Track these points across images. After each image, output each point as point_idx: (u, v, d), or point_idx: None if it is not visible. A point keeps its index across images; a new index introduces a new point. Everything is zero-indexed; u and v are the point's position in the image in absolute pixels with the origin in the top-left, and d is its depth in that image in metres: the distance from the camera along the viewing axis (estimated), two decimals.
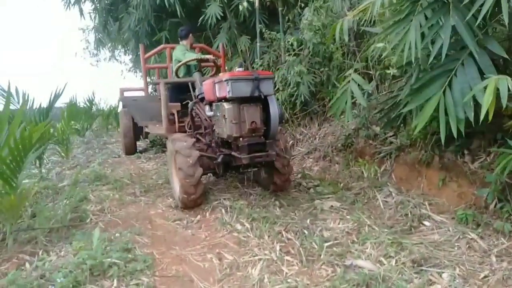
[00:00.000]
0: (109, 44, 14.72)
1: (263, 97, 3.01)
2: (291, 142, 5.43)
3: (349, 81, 3.13)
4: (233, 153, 3.23)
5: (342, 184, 3.94)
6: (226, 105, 3.03)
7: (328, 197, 3.62)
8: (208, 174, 3.72)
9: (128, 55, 12.80)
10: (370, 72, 4.30)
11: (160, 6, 6.77)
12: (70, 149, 6.22)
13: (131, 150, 6.21)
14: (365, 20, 3.20)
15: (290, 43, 5.16)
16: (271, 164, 3.44)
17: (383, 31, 2.86)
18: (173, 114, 4.38)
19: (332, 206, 3.39)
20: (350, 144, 4.37)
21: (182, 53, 4.87)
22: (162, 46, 5.92)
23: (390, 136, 4.00)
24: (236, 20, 6.19)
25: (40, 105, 4.80)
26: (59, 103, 5.64)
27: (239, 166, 3.39)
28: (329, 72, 4.98)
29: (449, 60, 2.41)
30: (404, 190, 3.46)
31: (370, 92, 3.91)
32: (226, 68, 6.04)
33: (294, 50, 5.33)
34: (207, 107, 3.65)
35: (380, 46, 3.46)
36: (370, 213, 3.18)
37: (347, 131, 4.46)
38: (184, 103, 4.40)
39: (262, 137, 3.10)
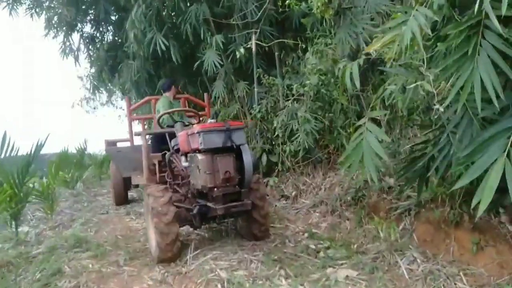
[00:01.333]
0: (106, 89, 14.71)
1: (235, 147, 3.07)
2: (293, 193, 4.98)
3: (362, 132, 2.73)
4: (208, 203, 3.22)
5: (355, 246, 3.44)
6: (199, 156, 3.08)
7: (342, 264, 3.11)
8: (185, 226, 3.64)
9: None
10: (378, 118, 3.95)
11: (157, 52, 6.56)
12: (55, 205, 5.71)
13: (121, 200, 6.17)
14: (380, 59, 2.84)
15: (290, 88, 4.86)
16: (249, 214, 3.46)
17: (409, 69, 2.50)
18: (154, 165, 4.28)
19: (347, 276, 2.88)
20: (361, 198, 3.92)
21: (164, 104, 5.02)
22: (147, 98, 5.97)
23: (407, 189, 3.56)
24: (233, 66, 5.93)
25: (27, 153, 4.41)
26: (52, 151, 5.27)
27: (215, 217, 3.39)
28: (333, 118, 4.63)
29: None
30: (431, 254, 2.97)
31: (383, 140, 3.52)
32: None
33: (293, 95, 5.02)
34: (183, 158, 3.67)
35: (392, 88, 3.13)
36: (394, 285, 2.67)
37: (357, 182, 4.02)
38: (164, 153, 4.28)
39: (236, 187, 3.14)
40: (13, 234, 4.51)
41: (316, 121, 4.51)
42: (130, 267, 3.32)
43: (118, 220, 4.89)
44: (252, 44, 5.36)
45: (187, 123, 4.63)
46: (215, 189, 3.05)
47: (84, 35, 8.31)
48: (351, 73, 2.85)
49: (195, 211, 3.34)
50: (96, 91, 13.42)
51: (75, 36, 8.86)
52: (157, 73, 7.28)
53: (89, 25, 8.40)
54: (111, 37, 8.84)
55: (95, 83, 10.33)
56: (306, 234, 3.83)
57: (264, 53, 5.93)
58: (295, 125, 4.82)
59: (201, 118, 5.01)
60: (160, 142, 4.74)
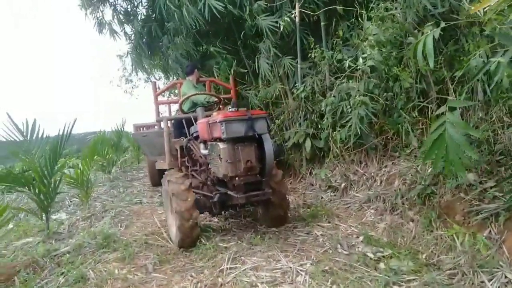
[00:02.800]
0: (142, 68, 14.46)
1: (257, 136, 3.05)
2: (343, 184, 4.37)
3: (442, 123, 2.07)
4: (229, 192, 3.26)
5: (424, 256, 2.83)
6: (221, 145, 3.07)
7: (410, 280, 2.53)
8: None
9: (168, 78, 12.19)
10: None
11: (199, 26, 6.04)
12: (89, 192, 5.51)
13: (157, 181, 6.08)
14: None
15: (341, 63, 4.18)
16: (268, 200, 3.41)
17: None
18: (177, 150, 4.28)
19: None
20: (430, 196, 3.25)
21: (187, 88, 4.95)
22: (173, 82, 6.14)
23: (492, 188, 2.86)
24: (275, 38, 5.24)
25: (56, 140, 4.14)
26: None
27: (235, 205, 3.40)
28: (393, 98, 3.92)
29: None
30: None
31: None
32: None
33: (343, 71, 4.34)
34: (201, 145, 3.71)
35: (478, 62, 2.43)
36: None
37: (424, 177, 3.34)
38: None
39: (257, 176, 3.14)
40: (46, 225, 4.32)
41: (372, 102, 3.84)
42: (160, 274, 2.93)
43: (150, 213, 4.54)
44: (296, 11, 4.65)
45: (211, 103, 4.67)
46: (237, 178, 3.06)
47: (117, 9, 7.86)
48: (423, 47, 2.19)
49: (215, 199, 3.36)
50: (134, 70, 13.27)
51: (108, 11, 8.41)
52: (204, 40, 6.67)
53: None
54: (144, 12, 8.34)
55: (132, 61, 10.00)
56: (361, 238, 3.25)
57: (308, 24, 5.22)
58: (346, 107, 4.18)
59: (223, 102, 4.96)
60: (183, 127, 4.64)
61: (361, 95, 3.83)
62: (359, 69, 3.97)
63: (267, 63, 5.45)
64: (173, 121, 5.01)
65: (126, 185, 6.92)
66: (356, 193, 4.16)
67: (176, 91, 7.32)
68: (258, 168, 3.11)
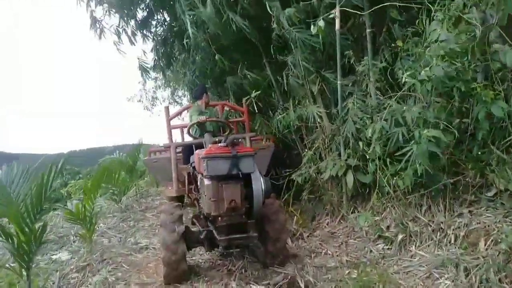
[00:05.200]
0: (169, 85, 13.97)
1: (240, 175, 2.90)
2: (400, 236, 3.36)
3: None
4: (214, 231, 3.07)
5: None
6: (205, 181, 2.95)
7: None
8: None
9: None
10: None
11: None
12: (92, 230, 4.73)
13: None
14: None
15: (395, 78, 3.24)
16: (264, 245, 3.32)
17: None
18: (185, 176, 4.21)
19: None
20: None
21: (193, 113, 4.80)
22: (184, 106, 6.00)
23: None
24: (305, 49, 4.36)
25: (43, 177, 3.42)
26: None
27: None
28: (473, 125, 2.92)
29: None
30: None
31: None
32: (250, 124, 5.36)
33: (398, 88, 3.39)
34: (199, 176, 3.50)
35: None
36: None
37: None
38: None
39: (243, 216, 2.98)
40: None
41: (442, 131, 2.85)
42: None
43: (154, 268, 3.66)
44: (336, 13, 3.71)
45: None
46: (219, 218, 2.93)
47: (136, 19, 7.21)
48: None
49: (202, 236, 3.23)
50: (154, 87, 12.73)
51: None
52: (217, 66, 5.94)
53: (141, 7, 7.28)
54: (166, 23, 7.68)
55: (152, 75, 9.31)
56: None
57: (348, 30, 4.31)
58: (402, 136, 3.21)
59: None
60: (192, 152, 4.23)
61: (428, 123, 2.86)
62: (421, 86, 3.00)
63: (297, 81, 4.58)
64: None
65: (138, 218, 6.14)
66: (420, 250, 3.14)
67: None
68: (244, 208, 2.93)
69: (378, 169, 3.64)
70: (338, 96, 4.15)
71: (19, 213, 3.28)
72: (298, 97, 4.80)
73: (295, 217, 4.50)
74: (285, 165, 5.64)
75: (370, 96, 3.99)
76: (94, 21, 6.29)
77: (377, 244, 3.54)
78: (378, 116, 3.57)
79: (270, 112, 5.55)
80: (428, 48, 2.88)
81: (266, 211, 3.25)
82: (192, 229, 3.44)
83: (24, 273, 3.35)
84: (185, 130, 5.05)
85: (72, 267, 4.04)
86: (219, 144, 3.04)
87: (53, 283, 3.69)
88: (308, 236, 4.12)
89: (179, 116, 6.35)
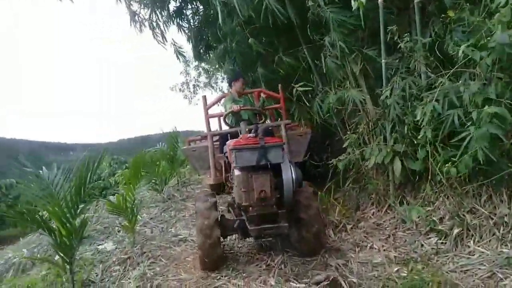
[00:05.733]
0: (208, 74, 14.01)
1: (269, 166, 2.92)
2: (455, 229, 3.02)
3: None
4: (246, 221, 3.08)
5: None
6: (236, 172, 3.00)
7: None
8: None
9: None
10: None
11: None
12: (134, 221, 4.79)
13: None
14: None
15: (448, 54, 2.86)
16: (299, 231, 3.26)
17: None
18: (222, 165, 4.25)
19: None
20: None
21: (227, 102, 4.70)
22: (221, 95, 6.19)
23: None
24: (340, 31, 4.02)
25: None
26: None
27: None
28: None
29: None
30: None
31: None
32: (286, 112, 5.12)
33: (451, 65, 3.00)
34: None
35: None
36: None
37: None
38: None
39: (274, 207, 2.96)
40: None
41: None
42: None
43: (192, 262, 3.59)
44: None
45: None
46: (250, 208, 2.94)
47: (170, 8, 7.10)
48: None
49: (235, 225, 3.25)
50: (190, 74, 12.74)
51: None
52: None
53: None
54: (202, 10, 7.51)
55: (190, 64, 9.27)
56: None
57: (391, 2, 3.91)
58: (459, 118, 2.84)
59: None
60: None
61: (488, 102, 2.48)
62: (480, 59, 2.61)
63: (335, 62, 4.25)
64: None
65: (179, 207, 6.15)
66: (479, 246, 2.80)
67: None
68: (275, 198, 2.94)
69: (429, 155, 3.29)
70: (382, 76, 3.80)
71: (60, 208, 3.33)
72: (338, 79, 4.48)
73: (337, 207, 4.23)
74: (326, 151, 5.38)
75: (419, 75, 3.61)
76: (133, 15, 6.25)
77: (429, 238, 3.22)
78: (428, 96, 3.19)
79: (309, 96, 5.26)
80: (491, 16, 2.47)
81: (299, 198, 3.22)
82: (227, 217, 3.50)
83: (67, 266, 3.42)
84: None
85: (114, 259, 4.10)
86: (249, 135, 3.06)
87: (96, 275, 3.76)
88: (351, 228, 3.86)
89: (218, 103, 6.28)
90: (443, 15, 3.29)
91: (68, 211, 3.35)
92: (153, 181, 6.84)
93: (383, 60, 3.79)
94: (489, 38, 2.33)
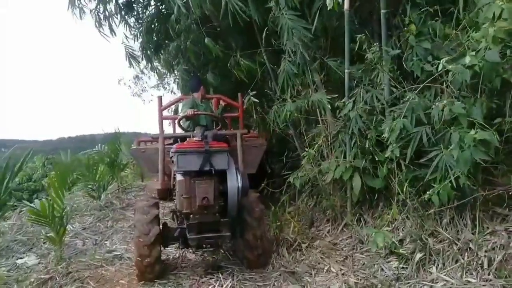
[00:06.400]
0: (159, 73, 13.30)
1: (213, 172, 2.81)
2: (417, 254, 2.84)
3: None
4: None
5: None
6: (178, 177, 2.91)
7: None
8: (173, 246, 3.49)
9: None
10: None
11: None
12: (62, 233, 4.15)
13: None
14: None
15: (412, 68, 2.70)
16: (242, 235, 3.13)
17: None
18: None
19: None
20: None
21: (186, 105, 4.45)
22: (178, 97, 5.75)
23: None
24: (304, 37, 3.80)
25: None
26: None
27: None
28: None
29: None
30: None
31: None
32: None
33: (413, 80, 2.86)
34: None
35: None
36: None
37: None
38: None
39: (217, 215, 2.89)
40: None
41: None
42: None
43: (127, 285, 3.11)
44: None
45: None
46: (191, 215, 2.87)
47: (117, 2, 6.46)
48: None
49: (175, 233, 3.15)
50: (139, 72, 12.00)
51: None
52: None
53: None
54: (153, 4, 6.93)
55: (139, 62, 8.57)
56: None
57: (355, 11, 3.76)
58: (426, 136, 2.68)
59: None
60: None
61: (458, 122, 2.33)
62: (449, 78, 2.47)
63: (295, 71, 4.02)
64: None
65: (117, 217, 5.56)
66: (443, 274, 2.63)
67: None
68: (217, 206, 2.85)
69: (394, 174, 3.11)
70: (345, 87, 3.60)
71: None
72: (297, 87, 4.24)
73: (292, 223, 3.95)
74: (281, 162, 5.12)
75: (382, 88, 3.46)
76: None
77: (389, 262, 3.02)
78: (395, 111, 3.03)
79: (266, 104, 5.02)
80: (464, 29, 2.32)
81: (244, 202, 3.11)
82: (170, 226, 3.36)
83: None
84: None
85: (33, 279, 3.48)
86: (195, 138, 2.95)
87: None
88: (307, 247, 3.59)
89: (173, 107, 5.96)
90: (405, 29, 3.18)
91: None
92: (90, 186, 6.17)
93: (346, 70, 3.60)
94: (472, 54, 2.17)
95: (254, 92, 4.40)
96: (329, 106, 3.78)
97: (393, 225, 3.28)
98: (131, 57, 6.62)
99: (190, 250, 3.58)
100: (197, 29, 5.01)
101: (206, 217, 2.85)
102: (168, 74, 13.25)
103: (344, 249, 3.47)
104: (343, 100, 3.64)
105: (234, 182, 2.89)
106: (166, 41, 6.53)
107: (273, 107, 4.43)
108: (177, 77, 6.41)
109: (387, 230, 3.24)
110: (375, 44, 3.22)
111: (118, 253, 3.94)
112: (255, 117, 5.15)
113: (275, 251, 3.59)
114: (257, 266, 3.24)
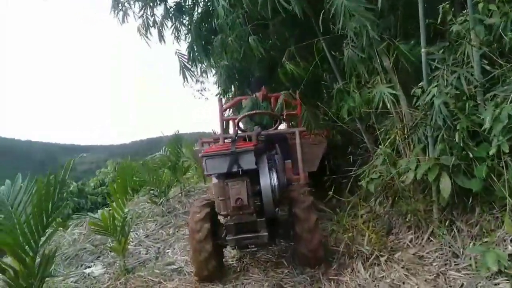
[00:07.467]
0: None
1: (240, 173, 2.79)
2: None
3: None
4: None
5: None
6: (213, 179, 3.03)
7: None
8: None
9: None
10: None
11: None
12: (125, 242, 4.07)
13: None
14: None
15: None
16: (294, 245, 3.23)
17: None
18: None
19: None
20: None
21: (246, 106, 4.56)
22: (238, 98, 5.54)
23: None
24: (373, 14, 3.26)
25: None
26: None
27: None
28: None
29: None
30: None
31: None
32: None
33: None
34: None
35: None
36: None
37: None
38: None
39: (254, 215, 2.87)
40: None
41: None
42: None
43: None
44: None
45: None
46: (228, 217, 2.94)
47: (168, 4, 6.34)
48: None
49: (222, 234, 3.14)
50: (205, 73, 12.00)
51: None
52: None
53: None
54: (202, 4, 6.75)
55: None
56: None
57: None
58: None
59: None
60: None
61: None
62: None
63: (360, 55, 3.49)
64: None
65: (179, 223, 5.44)
66: None
67: None
68: (253, 207, 2.81)
69: (494, 172, 2.49)
70: (423, 71, 3.01)
71: (24, 237, 2.63)
72: (363, 76, 3.69)
73: (366, 232, 3.44)
74: (347, 160, 4.61)
75: (471, 66, 2.81)
76: (116, 2, 5.52)
77: (497, 284, 2.41)
78: (495, 95, 2.40)
79: (325, 97, 4.57)
80: None
81: (295, 210, 3.02)
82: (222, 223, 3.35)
83: None
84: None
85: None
86: (225, 140, 3.06)
87: None
88: (386, 261, 3.07)
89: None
90: None
91: (26, 242, 2.63)
92: (151, 192, 6.16)
93: (422, 50, 3.00)
94: None
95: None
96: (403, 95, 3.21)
97: (497, 235, 2.65)
98: (185, 67, 6.46)
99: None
100: (243, 23, 4.61)
101: (242, 218, 2.87)
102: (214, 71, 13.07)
103: (434, 264, 2.89)
104: (420, 84, 3.06)
105: (267, 181, 2.90)
106: (212, 37, 6.29)
107: (334, 100, 3.94)
108: (220, 73, 6.01)
109: (486, 241, 2.64)
110: (462, 12, 2.60)
111: (178, 266, 3.74)
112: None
113: (348, 265, 3.13)
114: (316, 263, 3.15)
